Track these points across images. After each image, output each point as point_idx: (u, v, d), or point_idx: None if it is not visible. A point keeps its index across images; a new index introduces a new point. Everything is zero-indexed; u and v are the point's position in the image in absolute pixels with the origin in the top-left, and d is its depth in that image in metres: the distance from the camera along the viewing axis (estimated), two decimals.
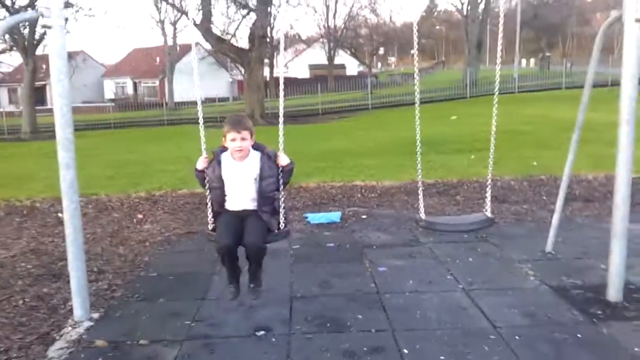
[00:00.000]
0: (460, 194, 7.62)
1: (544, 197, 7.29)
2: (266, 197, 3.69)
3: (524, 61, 65.79)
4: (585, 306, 3.98)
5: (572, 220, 6.25)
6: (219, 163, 3.69)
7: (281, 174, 3.68)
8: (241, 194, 3.69)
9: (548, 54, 59.71)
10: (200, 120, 3.82)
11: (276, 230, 3.75)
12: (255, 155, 3.69)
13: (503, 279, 4.59)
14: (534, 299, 4.15)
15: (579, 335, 3.56)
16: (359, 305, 4.13)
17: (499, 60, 4.51)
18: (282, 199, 3.72)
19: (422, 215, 4.64)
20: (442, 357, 3.34)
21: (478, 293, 4.27)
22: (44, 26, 3.79)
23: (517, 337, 3.54)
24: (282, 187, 3.71)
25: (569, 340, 3.51)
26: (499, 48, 4.50)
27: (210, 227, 3.82)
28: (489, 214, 4.66)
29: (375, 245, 5.62)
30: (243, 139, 3.59)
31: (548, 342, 3.48)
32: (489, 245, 5.46)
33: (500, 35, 4.49)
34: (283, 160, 3.67)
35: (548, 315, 3.87)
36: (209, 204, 3.78)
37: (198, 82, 3.89)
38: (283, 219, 3.76)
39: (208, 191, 3.75)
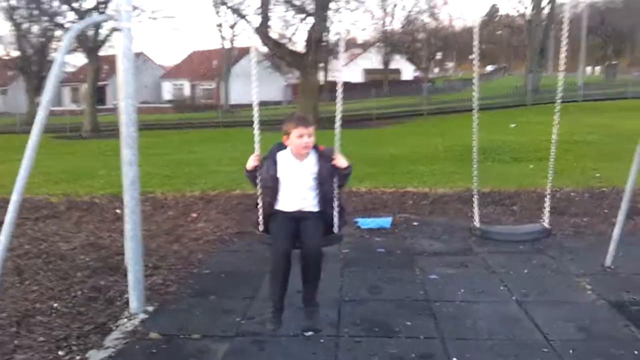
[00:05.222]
0: (517, 204, 7.41)
1: (606, 210, 6.99)
2: (330, 199, 3.63)
3: (589, 69, 63.59)
4: None
5: (634, 234, 5.97)
6: (275, 162, 3.62)
7: (337, 177, 3.62)
8: (298, 194, 3.62)
9: (615, 62, 57.38)
10: (256, 119, 3.69)
11: (337, 231, 3.71)
12: (313, 154, 3.64)
13: (559, 292, 4.43)
14: (591, 314, 3.99)
15: (635, 352, 3.41)
16: (408, 311, 4.09)
17: (562, 68, 4.35)
18: (338, 202, 3.68)
19: (477, 224, 4.56)
20: None
21: (532, 305, 4.15)
22: (113, 29, 3.97)
23: (571, 351, 3.42)
24: (337, 189, 3.65)
25: (625, 356, 3.36)
26: (563, 54, 4.36)
27: (260, 228, 3.72)
28: (546, 224, 4.53)
29: (426, 252, 5.55)
30: (310, 135, 3.54)
31: (603, 358, 3.35)
32: (545, 257, 5.29)
33: (565, 41, 4.35)
34: (341, 162, 3.59)
35: (604, 330, 3.72)
36: (260, 205, 3.69)
37: (256, 85, 3.80)
38: (338, 221, 3.69)
39: (259, 191, 3.68)
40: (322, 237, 3.58)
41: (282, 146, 3.68)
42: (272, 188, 3.62)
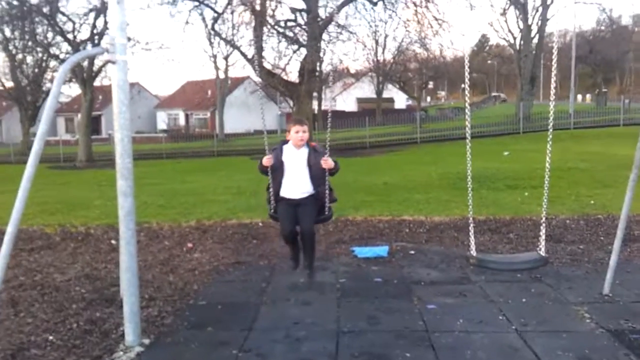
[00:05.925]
0: (513, 232, 7.42)
1: (602, 238, 7.02)
2: (318, 179, 4.88)
3: (579, 97, 64.49)
4: None
5: (630, 261, 5.98)
6: (281, 151, 5.00)
7: (327, 172, 4.88)
8: (296, 175, 4.91)
9: (605, 89, 58.13)
10: (265, 132, 5.28)
11: (326, 212, 5.02)
12: (306, 146, 5.01)
13: (558, 321, 4.41)
14: (590, 343, 3.97)
15: None
16: (407, 342, 4.04)
17: (552, 96, 4.42)
18: (327, 186, 4.92)
19: (473, 253, 4.56)
20: None
21: (531, 335, 4.12)
22: (108, 61, 3.98)
23: None
24: (327, 177, 4.89)
25: None
26: (553, 84, 4.43)
27: (272, 210, 5.09)
28: (542, 253, 4.54)
29: (424, 281, 5.52)
30: (304, 131, 4.95)
31: None
32: (543, 286, 5.27)
33: (554, 70, 4.43)
34: (329, 164, 4.80)
35: (604, 359, 3.69)
36: (271, 188, 5.01)
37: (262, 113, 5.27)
38: (328, 202, 4.98)
39: (270, 177, 4.97)
40: (315, 219, 4.96)
41: (286, 141, 5.06)
42: (279, 170, 4.92)
